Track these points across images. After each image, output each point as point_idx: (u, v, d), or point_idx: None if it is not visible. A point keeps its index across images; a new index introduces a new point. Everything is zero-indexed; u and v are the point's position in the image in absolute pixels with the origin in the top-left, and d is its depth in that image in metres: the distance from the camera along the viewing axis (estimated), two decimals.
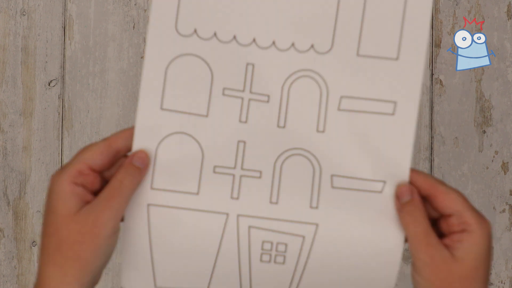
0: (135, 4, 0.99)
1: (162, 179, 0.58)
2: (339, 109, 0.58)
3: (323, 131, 0.58)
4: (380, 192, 0.58)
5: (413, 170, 0.57)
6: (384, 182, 0.58)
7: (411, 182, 0.57)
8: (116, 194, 0.54)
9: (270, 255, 0.59)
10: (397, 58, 0.59)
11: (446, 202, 0.58)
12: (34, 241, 0.98)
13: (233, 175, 0.58)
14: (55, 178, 0.54)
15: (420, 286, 0.58)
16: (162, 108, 0.58)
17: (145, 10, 0.99)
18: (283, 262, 0.58)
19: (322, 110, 0.58)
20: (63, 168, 0.54)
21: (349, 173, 0.58)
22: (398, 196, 0.57)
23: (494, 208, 0.98)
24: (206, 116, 0.58)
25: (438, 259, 0.56)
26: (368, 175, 0.58)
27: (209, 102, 0.57)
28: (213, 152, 0.58)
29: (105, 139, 0.58)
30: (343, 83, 0.57)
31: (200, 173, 0.58)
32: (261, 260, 0.58)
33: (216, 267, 0.59)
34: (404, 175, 0.57)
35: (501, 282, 0.98)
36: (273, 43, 0.57)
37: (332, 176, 0.58)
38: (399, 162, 0.58)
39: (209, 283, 0.59)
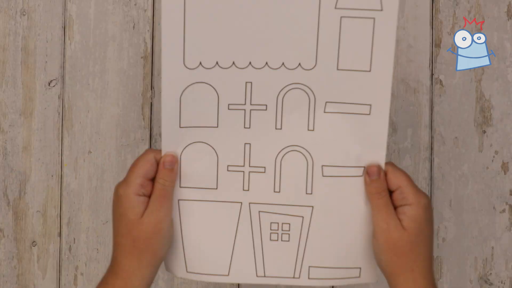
0: (135, 4, 0.99)
1: (187, 179, 0.73)
2: (325, 112, 0.71)
3: (313, 130, 0.72)
4: (362, 176, 0.72)
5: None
6: (365, 167, 0.72)
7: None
8: (162, 194, 0.71)
9: (277, 234, 0.73)
10: (370, 70, 0.71)
11: (392, 179, 0.71)
12: (34, 241, 0.98)
13: (243, 172, 0.73)
14: (121, 191, 0.71)
15: (376, 249, 0.71)
16: (180, 127, 0.72)
17: (145, 10, 0.99)
18: (288, 240, 0.73)
19: (311, 113, 0.71)
20: (126, 182, 0.71)
21: (336, 162, 0.72)
22: (368, 174, 0.71)
23: (494, 208, 0.98)
24: (217, 127, 0.72)
25: (392, 227, 0.69)
26: (352, 163, 0.72)
27: (217, 116, 0.71)
28: (225, 154, 0.72)
29: (148, 153, 0.73)
30: (327, 91, 0.70)
31: (217, 172, 0.73)
32: (270, 239, 0.73)
33: (235, 251, 0.74)
34: (380, 161, 0.72)
35: (501, 282, 0.98)
36: (266, 63, 0.70)
37: (322, 166, 0.73)
38: (376, 151, 0.72)
39: (229, 269, 0.74)
